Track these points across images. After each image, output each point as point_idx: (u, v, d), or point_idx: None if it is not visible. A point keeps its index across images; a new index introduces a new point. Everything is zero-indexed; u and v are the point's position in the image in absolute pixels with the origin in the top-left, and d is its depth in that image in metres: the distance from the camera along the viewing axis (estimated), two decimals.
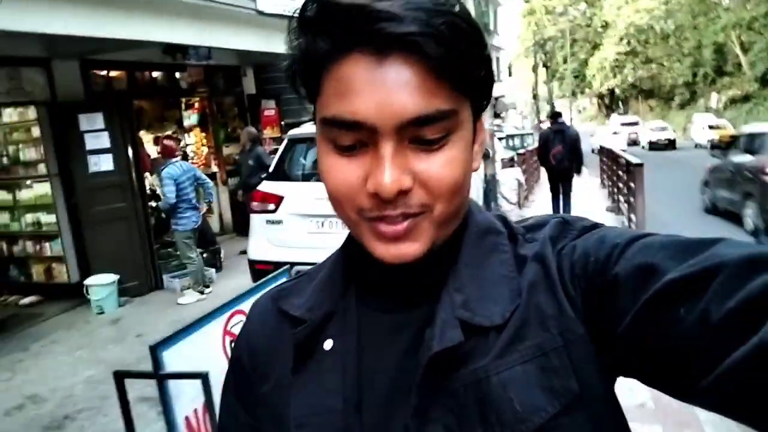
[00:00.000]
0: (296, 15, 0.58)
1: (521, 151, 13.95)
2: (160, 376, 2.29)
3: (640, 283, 0.51)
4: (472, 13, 0.61)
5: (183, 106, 9.85)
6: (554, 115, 9.63)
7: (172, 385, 2.37)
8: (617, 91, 50.20)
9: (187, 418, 2.47)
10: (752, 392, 0.43)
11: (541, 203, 11.99)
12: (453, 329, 0.58)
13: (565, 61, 49.65)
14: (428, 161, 0.56)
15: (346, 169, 0.57)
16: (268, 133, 9.55)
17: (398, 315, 0.65)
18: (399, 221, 0.57)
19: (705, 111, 33.86)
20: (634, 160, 8.36)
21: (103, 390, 4.46)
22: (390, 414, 0.60)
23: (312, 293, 0.70)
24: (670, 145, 28.33)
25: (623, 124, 34.50)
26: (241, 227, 9.31)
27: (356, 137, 0.56)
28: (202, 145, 9.89)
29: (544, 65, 39.59)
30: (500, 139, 16.26)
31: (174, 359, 2.39)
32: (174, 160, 6.20)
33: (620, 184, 10.10)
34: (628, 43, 44.75)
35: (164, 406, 2.35)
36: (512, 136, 21.22)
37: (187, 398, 2.47)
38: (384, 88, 0.53)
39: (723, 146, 10.32)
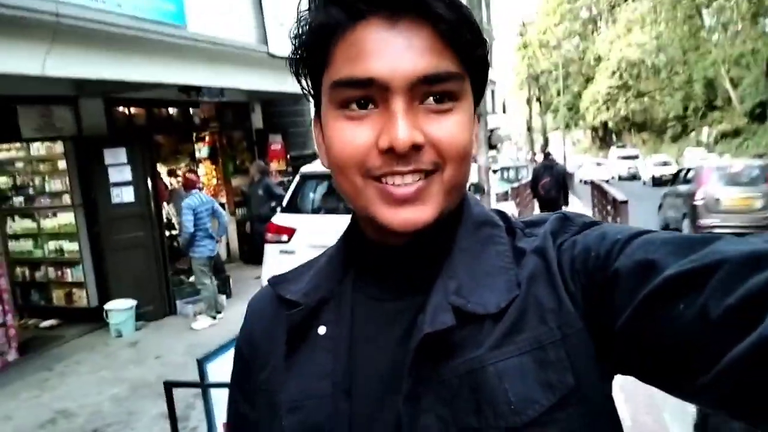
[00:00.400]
0: None
1: (515, 185, 14.45)
2: (205, 386, 2.69)
3: (640, 279, 0.51)
4: None
5: (195, 139, 10.35)
6: (546, 154, 11.30)
7: (214, 393, 2.76)
8: (610, 124, 51.01)
9: (224, 424, 2.86)
10: (751, 389, 0.43)
11: None
12: (445, 313, 0.58)
13: (558, 94, 50.39)
14: (439, 123, 0.58)
15: (355, 132, 0.58)
16: (275, 166, 9.99)
17: (392, 303, 0.66)
18: (410, 181, 0.58)
19: (696, 145, 34.38)
20: (620, 196, 8.84)
21: (128, 406, 4.81)
22: (381, 401, 0.61)
23: (310, 279, 0.71)
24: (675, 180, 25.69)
25: (622, 158, 33.96)
26: (247, 255, 9.70)
27: (367, 95, 0.58)
28: (213, 176, 10.36)
29: (537, 99, 40.27)
30: (494, 171, 16.72)
31: (215, 371, 2.79)
32: (194, 191, 6.66)
33: (609, 219, 10.58)
34: (621, 76, 45.50)
35: (207, 412, 2.74)
36: (507, 169, 21.49)
37: (224, 406, 2.86)
38: (396, 49, 0.56)
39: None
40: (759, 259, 0.46)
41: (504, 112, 35.51)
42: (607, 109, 48.14)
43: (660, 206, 13.17)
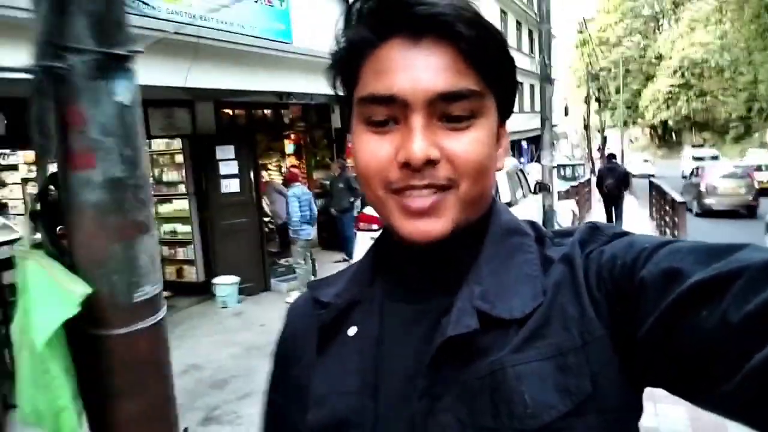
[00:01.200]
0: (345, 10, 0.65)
1: (575, 183, 14.97)
2: None
3: (665, 287, 0.51)
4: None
5: (283, 138, 11.40)
6: (609, 156, 12.70)
7: None
8: (670, 122, 50.05)
9: None
10: None
11: None
12: (469, 317, 0.59)
13: (617, 92, 49.79)
14: (456, 139, 0.60)
15: (378, 145, 0.61)
16: (352, 162, 10.89)
17: (418, 305, 0.67)
18: (425, 195, 0.60)
19: (760, 146, 33.61)
20: (678, 197, 9.32)
21: (246, 363, 5.62)
22: (405, 399, 0.62)
23: (343, 283, 0.75)
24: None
25: (697, 158, 29.86)
26: (326, 241, 10.66)
27: (389, 112, 0.60)
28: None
29: (597, 99, 39.77)
30: (552, 168, 16.95)
31: None
32: (296, 184, 7.64)
33: (666, 218, 11.07)
34: (682, 75, 44.71)
35: None
36: (564, 166, 21.27)
37: None
38: (417, 67, 0.59)
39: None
40: None
41: (566, 114, 35.15)
42: (668, 107, 47.27)
43: (681, 193, 16.30)
